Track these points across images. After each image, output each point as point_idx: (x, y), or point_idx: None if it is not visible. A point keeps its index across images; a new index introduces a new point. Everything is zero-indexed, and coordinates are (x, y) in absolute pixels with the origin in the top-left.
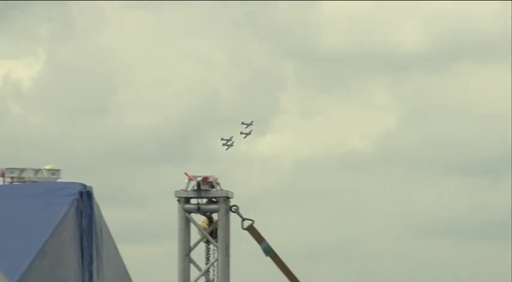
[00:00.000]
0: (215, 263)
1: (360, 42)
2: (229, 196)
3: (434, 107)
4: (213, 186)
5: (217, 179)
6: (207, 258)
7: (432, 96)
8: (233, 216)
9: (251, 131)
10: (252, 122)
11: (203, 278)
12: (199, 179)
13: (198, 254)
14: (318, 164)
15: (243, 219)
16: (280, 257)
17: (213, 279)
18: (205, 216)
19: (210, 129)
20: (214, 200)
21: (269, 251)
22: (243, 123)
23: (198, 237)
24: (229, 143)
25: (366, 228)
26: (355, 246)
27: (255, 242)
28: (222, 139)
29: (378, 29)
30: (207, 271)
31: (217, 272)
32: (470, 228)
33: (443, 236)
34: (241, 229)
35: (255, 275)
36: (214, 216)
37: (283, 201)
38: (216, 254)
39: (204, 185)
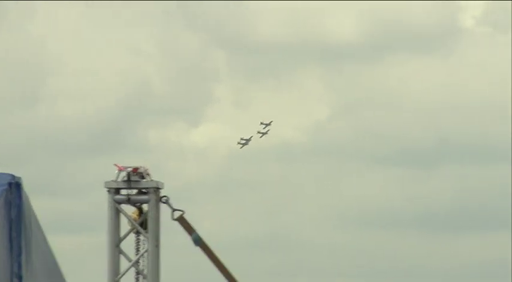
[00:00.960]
0: (145, 254)
1: (293, 33)
2: (160, 187)
3: (366, 98)
4: (143, 177)
5: (147, 169)
6: (137, 249)
7: (364, 87)
8: (164, 207)
9: (268, 130)
10: (271, 122)
11: (133, 269)
12: (130, 169)
13: (128, 245)
14: (250, 155)
15: (173, 210)
16: (213, 247)
17: (143, 270)
18: (135, 207)
19: (143, 119)
20: (144, 190)
21: (199, 242)
22: (261, 123)
23: (128, 228)
24: (245, 142)
25: (298, 219)
26: (288, 237)
27: (185, 233)
28: (241, 139)
29: (311, 19)
30: (137, 262)
31: (147, 263)
32: (401, 218)
33: (375, 226)
34: (172, 220)
35: (186, 265)
36: (145, 207)
37: (216, 191)
38: (146, 245)
39: (134, 176)
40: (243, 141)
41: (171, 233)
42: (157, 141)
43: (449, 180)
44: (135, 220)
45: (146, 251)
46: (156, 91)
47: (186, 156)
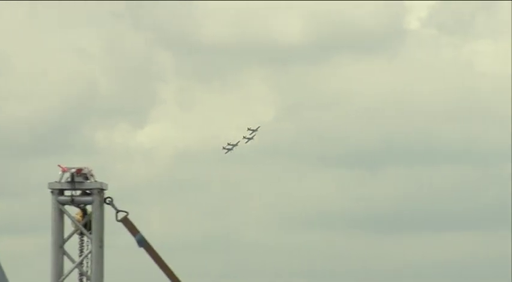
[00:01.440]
0: (89, 255)
1: (239, 34)
2: (104, 188)
3: (311, 99)
4: (87, 178)
5: (91, 170)
6: (81, 250)
7: (309, 88)
8: (108, 208)
9: (254, 136)
10: (258, 127)
11: (76, 270)
12: (73, 170)
13: (72, 246)
14: (196, 156)
15: (117, 211)
16: (157, 248)
17: (87, 271)
18: (79, 208)
19: (89, 120)
20: (88, 191)
21: (143, 243)
22: (249, 129)
23: (72, 229)
24: (231, 148)
25: (243, 220)
26: (232, 237)
27: (129, 234)
28: (228, 144)
29: (257, 21)
30: (81, 263)
31: (91, 264)
32: (345, 219)
33: (319, 227)
34: (116, 221)
35: (129, 266)
36: (89, 208)
37: (162, 192)
38: (89, 246)
39: (78, 177)
40: (229, 147)
41: (115, 234)
42: (104, 142)
43: (393, 181)
44: (78, 221)
45: (90, 252)
46: (102, 92)
47: (132, 157)
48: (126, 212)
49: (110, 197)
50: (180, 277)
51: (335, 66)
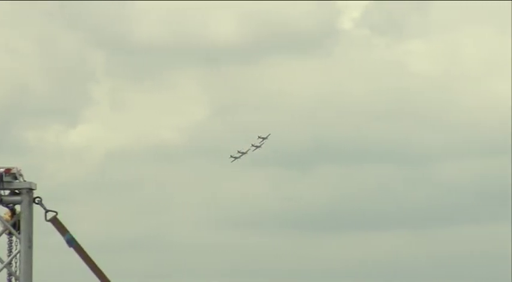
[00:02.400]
0: (18, 255)
1: (173, 34)
2: (33, 188)
3: (244, 99)
4: (16, 178)
5: (20, 170)
6: (9, 251)
7: (242, 88)
8: (37, 208)
9: (262, 144)
10: (269, 135)
11: (5, 270)
12: (2, 170)
13: (1, 246)
14: (128, 155)
15: (46, 211)
16: (87, 248)
17: (16, 272)
18: (8, 207)
19: (20, 120)
20: (17, 191)
21: (72, 243)
22: (259, 137)
23: (0, 229)
24: (241, 155)
25: (175, 220)
26: (163, 237)
27: (59, 234)
28: (238, 152)
29: (191, 21)
30: (9, 263)
31: (20, 264)
32: (277, 218)
33: (251, 226)
34: (45, 221)
35: (59, 266)
36: (17, 207)
37: (93, 192)
38: (18, 246)
39: (7, 177)
40: (238, 155)
41: (44, 234)
42: (36, 142)
43: (325, 181)
44: (7, 221)
45: (19, 252)
46: (34, 92)
47: (64, 157)
48: (55, 211)
49: (39, 197)
50: (110, 277)
51: (268, 66)
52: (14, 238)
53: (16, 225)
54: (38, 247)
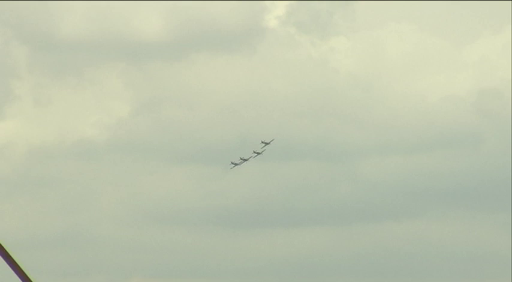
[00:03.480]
0: None
1: (96, 30)
2: None
3: (168, 96)
4: None
5: None
6: None
7: (167, 85)
8: None
9: (264, 150)
10: (272, 141)
11: None
12: None
13: None
14: (50, 152)
15: None
16: (9, 245)
17: None
18: None
19: None
20: None
21: None
22: (262, 142)
23: None
24: (242, 162)
25: (97, 216)
26: (86, 234)
27: None
28: (240, 159)
29: (117, 18)
30: None
31: None
32: (199, 215)
33: (173, 223)
34: None
35: None
36: None
37: (14, 189)
38: None
39: None
40: (239, 161)
41: None
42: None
43: (248, 178)
44: None
45: None
46: None
47: None
48: None
49: None
50: (31, 274)
51: (193, 63)
52: None
53: None
54: None
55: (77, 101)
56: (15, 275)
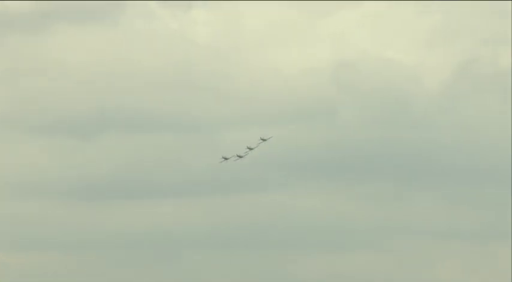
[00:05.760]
0: None
1: None
2: None
3: (26, 67)
4: None
5: None
6: None
7: (25, 56)
8: None
9: (257, 147)
10: (270, 138)
11: None
12: None
13: None
14: None
15: None
16: None
17: None
18: None
19: None
20: None
21: None
22: (261, 138)
23: None
24: (229, 158)
25: None
26: None
27: None
28: (237, 155)
29: None
30: None
31: None
32: (59, 187)
33: (32, 195)
34: None
35: None
36: None
37: None
38: None
39: None
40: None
41: None
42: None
43: (106, 150)
44: None
45: None
46: None
47: None
48: None
49: None
50: None
51: (54, 34)
52: None
53: None
54: None
55: None
56: None
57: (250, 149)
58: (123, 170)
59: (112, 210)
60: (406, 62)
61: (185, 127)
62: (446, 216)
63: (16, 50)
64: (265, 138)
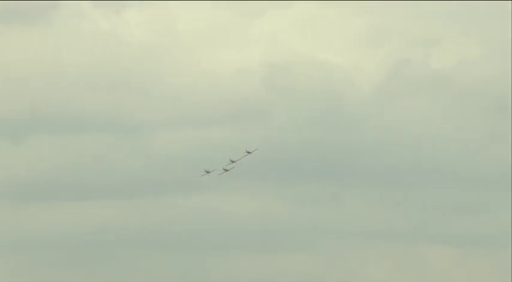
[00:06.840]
0: None
1: None
2: None
3: None
4: None
5: None
6: None
7: None
8: None
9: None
10: (255, 150)
11: None
12: None
13: None
14: None
15: None
16: None
17: None
18: None
19: None
20: None
21: None
22: (247, 151)
23: None
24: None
25: None
26: None
27: None
28: (223, 169)
29: None
30: None
31: None
32: None
33: None
34: None
35: None
36: None
37: None
38: None
39: None
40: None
41: None
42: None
43: (38, 151)
44: None
45: None
46: None
47: None
48: None
49: None
50: None
51: None
52: None
53: None
54: None
55: None
56: None
57: (233, 161)
58: (55, 172)
59: (44, 212)
60: (339, 63)
61: (118, 128)
62: (380, 217)
63: None
64: (250, 150)
